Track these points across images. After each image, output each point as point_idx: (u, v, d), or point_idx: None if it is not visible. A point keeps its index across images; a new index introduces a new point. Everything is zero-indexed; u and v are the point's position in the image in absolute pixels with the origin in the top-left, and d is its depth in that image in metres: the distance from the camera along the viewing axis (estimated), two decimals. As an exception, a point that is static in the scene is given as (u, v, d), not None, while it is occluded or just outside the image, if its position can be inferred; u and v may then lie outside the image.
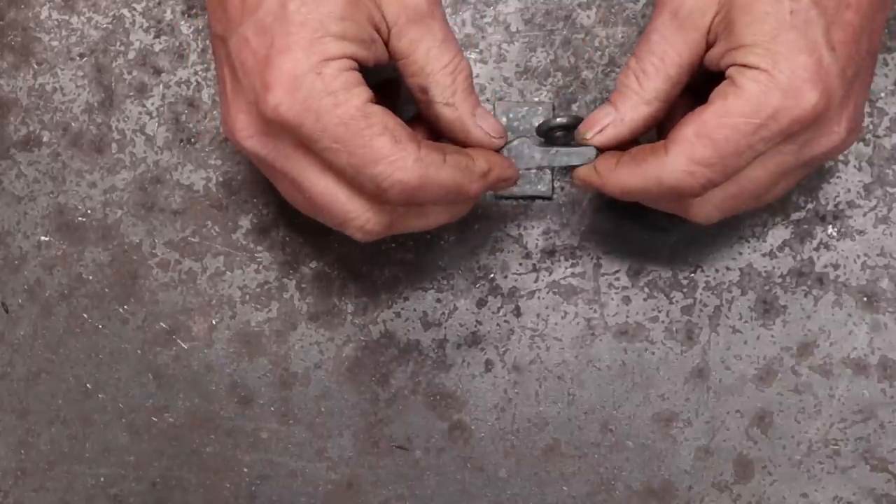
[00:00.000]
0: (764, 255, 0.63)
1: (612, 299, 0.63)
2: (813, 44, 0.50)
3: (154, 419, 0.64)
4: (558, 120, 0.57)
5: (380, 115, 0.51)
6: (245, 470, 0.64)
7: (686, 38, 0.53)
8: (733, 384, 0.63)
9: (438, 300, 0.63)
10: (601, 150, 0.56)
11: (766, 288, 0.63)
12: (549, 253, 0.63)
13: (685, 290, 0.63)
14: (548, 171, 0.62)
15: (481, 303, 0.63)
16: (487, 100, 0.63)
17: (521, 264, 0.63)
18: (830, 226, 0.63)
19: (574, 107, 0.63)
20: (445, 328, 0.63)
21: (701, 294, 0.63)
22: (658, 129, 0.58)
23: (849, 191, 0.63)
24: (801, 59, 0.50)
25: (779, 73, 0.50)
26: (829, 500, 0.63)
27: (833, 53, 0.51)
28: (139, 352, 0.64)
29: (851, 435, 0.63)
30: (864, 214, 0.63)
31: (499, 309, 0.63)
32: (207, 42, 0.64)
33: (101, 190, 0.64)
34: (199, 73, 0.64)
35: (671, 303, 0.63)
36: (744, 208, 0.55)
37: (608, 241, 0.63)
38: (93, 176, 0.64)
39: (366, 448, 0.64)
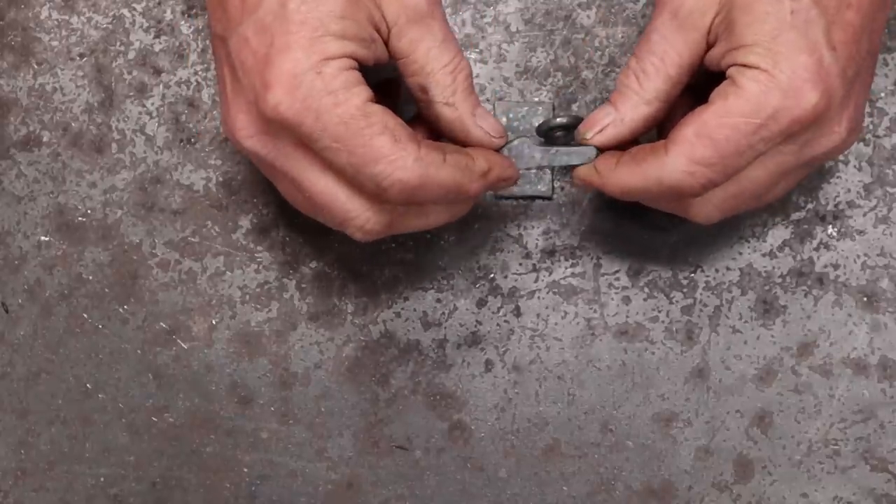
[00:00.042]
0: (764, 255, 0.63)
1: (612, 299, 0.63)
2: (813, 44, 0.50)
3: (154, 419, 0.64)
4: (558, 120, 0.57)
5: (380, 114, 0.51)
6: (245, 470, 0.64)
7: (686, 38, 0.53)
8: (733, 384, 0.63)
9: (438, 300, 0.63)
10: (601, 150, 0.56)
11: (766, 288, 0.63)
12: (549, 253, 0.63)
13: (685, 290, 0.63)
14: (548, 171, 0.62)
15: (481, 303, 0.63)
16: (487, 100, 0.63)
17: (521, 264, 0.63)
18: (830, 226, 0.63)
19: (574, 107, 0.63)
20: (445, 328, 0.63)
21: (701, 294, 0.63)
22: (658, 129, 0.58)
23: (849, 191, 0.63)
24: (802, 59, 0.50)
25: (779, 73, 0.50)
26: (829, 500, 0.63)
27: (834, 53, 0.51)
28: (139, 352, 0.64)
29: (851, 435, 0.63)
30: (864, 214, 0.63)
31: (499, 309, 0.63)
32: (207, 42, 0.64)
33: (101, 190, 0.64)
34: (199, 73, 0.64)
35: (671, 303, 0.63)
36: (744, 208, 0.55)
37: (608, 241, 0.63)
38: (93, 176, 0.64)
39: (366, 448, 0.64)
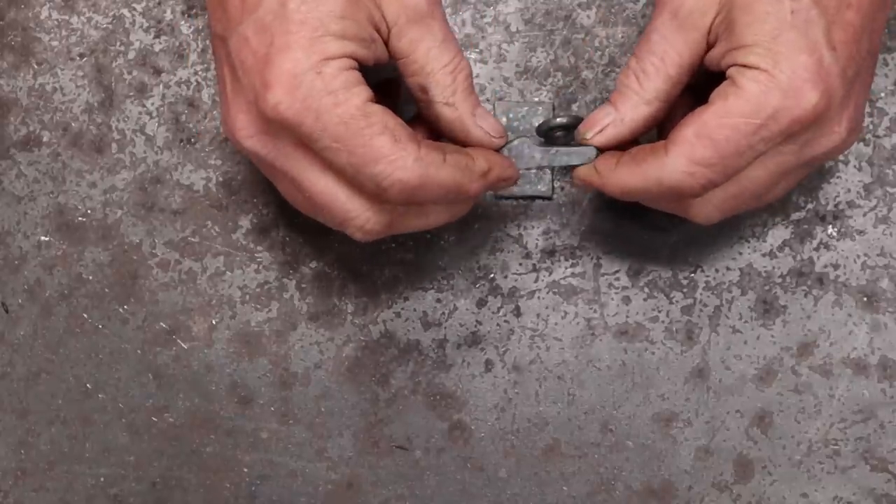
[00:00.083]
0: (764, 255, 0.63)
1: (612, 299, 0.63)
2: (813, 44, 0.50)
3: (154, 419, 0.64)
4: (558, 120, 0.57)
5: (380, 114, 0.51)
6: (245, 470, 0.64)
7: (686, 39, 0.53)
8: (733, 384, 0.63)
9: (438, 300, 0.63)
10: (601, 150, 0.56)
11: (766, 288, 0.63)
12: (549, 253, 0.63)
13: (685, 290, 0.63)
14: (548, 171, 0.62)
15: (481, 303, 0.63)
16: (487, 100, 0.63)
17: (521, 264, 0.63)
18: (830, 226, 0.63)
19: (574, 107, 0.63)
20: (445, 328, 0.63)
21: (701, 294, 0.63)
22: (658, 129, 0.58)
23: (849, 191, 0.63)
24: (802, 59, 0.50)
25: (779, 73, 0.50)
26: (829, 500, 0.63)
27: (834, 53, 0.51)
28: (139, 352, 0.64)
29: (851, 435, 0.63)
30: (864, 214, 0.63)
31: (499, 309, 0.63)
32: (207, 42, 0.64)
33: (101, 190, 0.64)
34: (199, 73, 0.64)
35: (671, 303, 0.63)
36: (744, 208, 0.55)
37: (608, 241, 0.63)
38: (93, 176, 0.64)
39: (366, 448, 0.64)
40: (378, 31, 0.53)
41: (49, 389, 0.64)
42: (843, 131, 0.52)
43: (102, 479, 0.64)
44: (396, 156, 0.51)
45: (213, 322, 0.64)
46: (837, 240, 0.63)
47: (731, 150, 0.51)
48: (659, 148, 0.53)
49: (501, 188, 0.58)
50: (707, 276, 0.63)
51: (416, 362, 0.63)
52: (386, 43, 0.54)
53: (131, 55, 0.64)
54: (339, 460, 0.64)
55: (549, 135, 0.58)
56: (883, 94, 0.63)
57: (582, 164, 0.57)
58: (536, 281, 0.63)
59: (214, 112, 0.64)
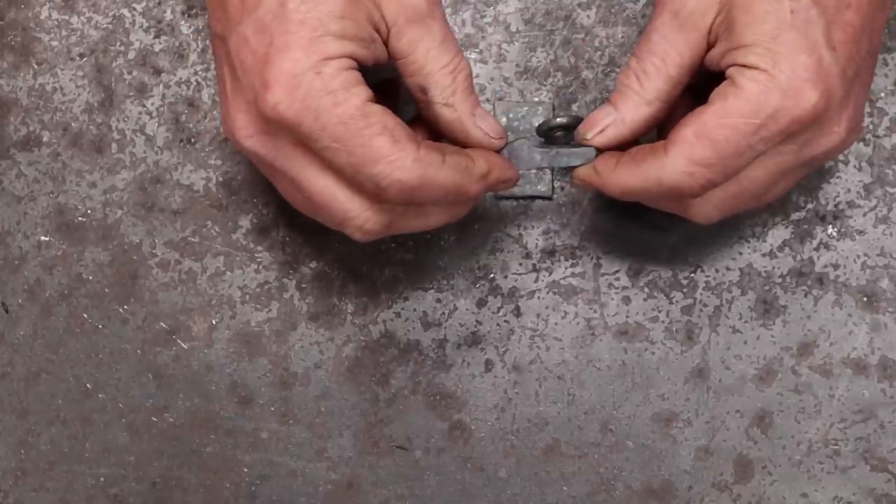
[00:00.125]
0: (764, 255, 0.63)
1: (612, 299, 0.63)
2: (813, 44, 0.50)
3: (154, 419, 0.64)
4: (558, 120, 0.57)
5: (379, 114, 0.51)
6: (245, 470, 0.64)
7: (687, 39, 0.53)
8: (733, 384, 0.63)
9: (438, 300, 0.63)
10: (601, 151, 0.56)
11: (766, 288, 0.63)
12: (549, 253, 0.63)
13: (685, 290, 0.63)
14: (548, 171, 0.62)
15: (481, 303, 0.63)
16: (487, 100, 0.63)
17: (521, 264, 0.63)
18: (830, 226, 0.63)
19: (574, 107, 0.63)
20: (445, 328, 0.63)
21: (701, 294, 0.63)
22: (658, 129, 0.57)
23: (849, 191, 0.63)
24: (802, 59, 0.50)
25: (779, 73, 0.50)
26: (829, 500, 0.63)
27: (833, 53, 0.51)
28: (139, 352, 0.64)
29: (851, 435, 0.63)
30: (864, 214, 0.63)
31: (499, 309, 0.63)
32: (207, 42, 0.64)
33: (101, 190, 0.64)
34: (199, 73, 0.64)
35: (671, 303, 0.63)
36: (744, 208, 0.55)
37: (608, 241, 0.63)
38: (93, 176, 0.64)
39: (366, 448, 0.64)
40: (378, 31, 0.53)
41: (49, 389, 0.64)
42: (842, 131, 0.52)
43: (102, 479, 0.64)
44: (395, 156, 0.51)
45: (213, 322, 0.64)
46: (837, 240, 0.63)
47: (731, 150, 0.51)
48: (658, 148, 0.53)
49: (501, 190, 0.58)
50: (707, 276, 0.63)
51: (416, 362, 0.63)
52: (385, 43, 0.54)
53: (131, 55, 0.64)
54: (339, 460, 0.64)
55: (549, 135, 0.58)
56: (883, 94, 0.63)
57: (582, 165, 0.57)
58: (536, 281, 0.63)
59: (214, 112, 0.64)
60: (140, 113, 0.64)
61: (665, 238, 0.63)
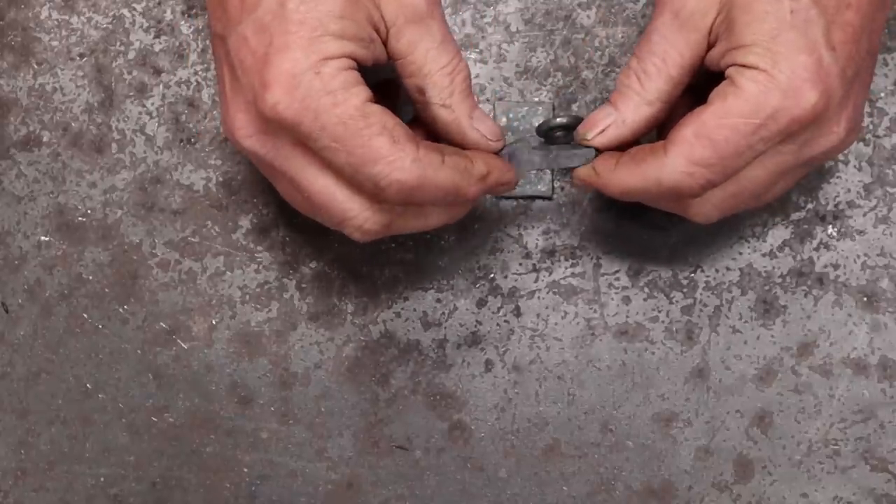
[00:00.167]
0: (764, 255, 0.63)
1: (612, 299, 0.63)
2: (813, 44, 0.50)
3: (154, 419, 0.64)
4: (558, 120, 0.57)
5: (378, 114, 0.51)
6: (245, 470, 0.64)
7: (688, 39, 0.53)
8: (733, 384, 0.63)
9: (438, 300, 0.63)
10: (600, 151, 0.56)
11: (766, 288, 0.63)
12: (549, 253, 0.63)
13: (685, 290, 0.63)
14: (548, 171, 0.62)
15: (481, 303, 0.63)
16: (487, 100, 0.63)
17: (521, 264, 0.63)
18: (830, 226, 0.63)
19: (574, 107, 0.63)
20: (445, 328, 0.63)
21: (701, 294, 0.63)
22: (658, 129, 0.57)
23: (849, 191, 0.63)
24: (801, 59, 0.50)
25: (778, 73, 0.50)
26: (829, 500, 0.63)
27: (833, 53, 0.51)
28: (139, 352, 0.64)
29: (851, 435, 0.63)
30: (864, 214, 0.63)
31: (499, 309, 0.63)
32: (207, 42, 0.64)
33: (101, 190, 0.64)
34: (199, 73, 0.64)
35: (671, 303, 0.63)
36: (743, 208, 0.55)
37: (608, 241, 0.63)
38: (93, 176, 0.64)
39: (366, 448, 0.64)
40: (377, 31, 0.53)
41: (49, 389, 0.64)
42: (841, 131, 0.52)
43: (102, 479, 0.64)
44: (395, 156, 0.51)
45: (213, 322, 0.64)
46: (837, 240, 0.63)
47: (730, 150, 0.51)
48: (658, 148, 0.53)
49: (500, 193, 0.58)
50: (707, 276, 0.63)
51: (416, 362, 0.63)
52: (385, 43, 0.54)
53: (131, 55, 0.64)
54: (339, 460, 0.64)
55: (549, 135, 0.58)
56: (883, 94, 0.63)
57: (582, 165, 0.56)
58: (536, 281, 0.63)
59: (214, 112, 0.64)
60: (140, 113, 0.64)
61: (665, 238, 0.63)
